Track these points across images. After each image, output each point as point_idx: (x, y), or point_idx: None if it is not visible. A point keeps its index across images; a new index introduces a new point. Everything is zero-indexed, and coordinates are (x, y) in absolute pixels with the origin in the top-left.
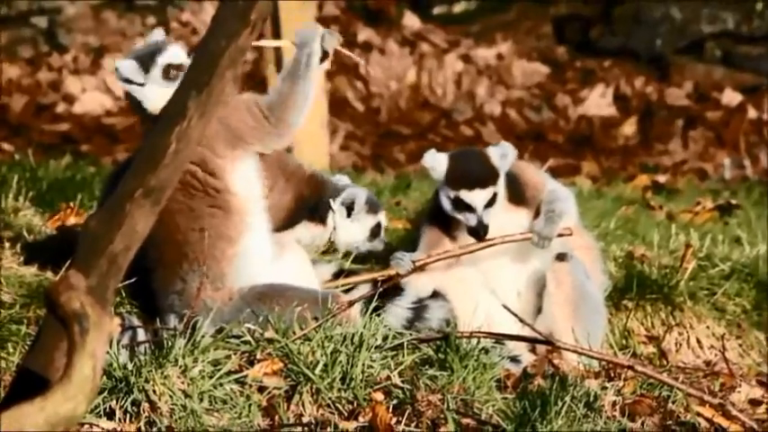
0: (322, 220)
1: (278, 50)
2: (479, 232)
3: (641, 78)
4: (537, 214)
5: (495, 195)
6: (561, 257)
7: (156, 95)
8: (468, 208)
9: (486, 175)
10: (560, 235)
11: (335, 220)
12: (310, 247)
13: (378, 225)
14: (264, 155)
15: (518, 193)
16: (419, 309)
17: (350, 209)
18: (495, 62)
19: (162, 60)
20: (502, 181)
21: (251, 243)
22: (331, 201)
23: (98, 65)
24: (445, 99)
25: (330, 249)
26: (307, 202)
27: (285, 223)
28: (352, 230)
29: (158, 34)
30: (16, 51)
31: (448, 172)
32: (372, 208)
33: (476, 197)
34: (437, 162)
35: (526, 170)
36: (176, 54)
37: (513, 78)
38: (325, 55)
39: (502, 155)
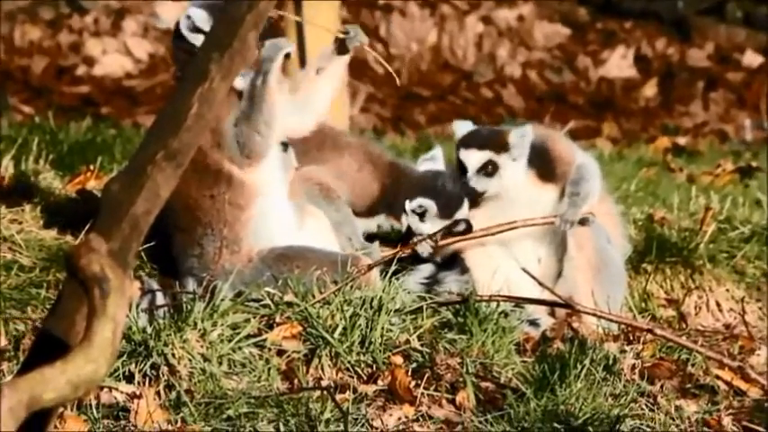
0: (398, 217)
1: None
2: (467, 194)
3: (662, 40)
4: (563, 192)
5: (493, 165)
6: (583, 222)
7: None
8: (463, 168)
9: (485, 140)
10: (582, 221)
11: (409, 222)
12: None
13: (455, 222)
14: (349, 141)
15: (548, 170)
16: (433, 282)
17: (422, 215)
18: (516, 24)
19: None
20: (509, 158)
21: (265, 207)
22: (406, 203)
23: (119, 27)
24: (466, 61)
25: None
26: (388, 194)
27: (368, 211)
28: (425, 231)
29: None
30: (37, 13)
31: (464, 134)
32: (448, 212)
33: (469, 157)
34: (460, 128)
35: (557, 144)
36: None
37: (534, 40)
38: (345, 51)
39: (521, 134)
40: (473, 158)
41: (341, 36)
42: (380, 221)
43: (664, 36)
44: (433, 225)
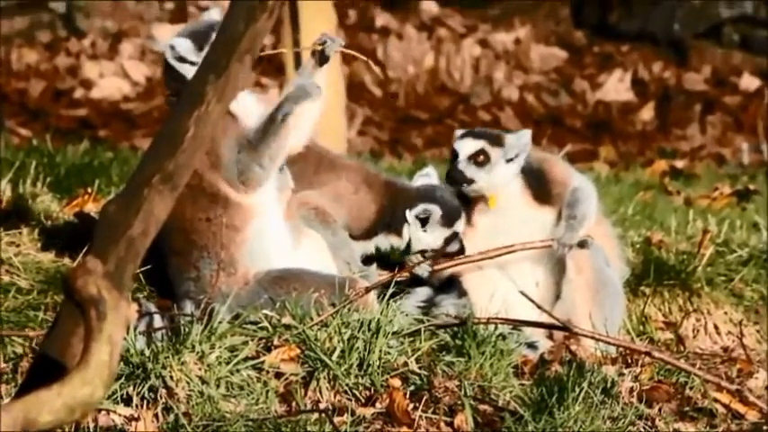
0: (398, 231)
1: (296, 37)
2: (455, 178)
3: (659, 63)
4: (560, 214)
5: (485, 154)
6: (582, 244)
7: None
8: (455, 155)
9: (482, 133)
10: (581, 244)
11: (410, 232)
12: None
13: (454, 234)
14: (345, 163)
15: (544, 191)
16: (430, 305)
17: (424, 222)
18: (513, 47)
19: None
20: (502, 155)
21: (261, 228)
22: (407, 212)
23: (116, 50)
24: (463, 84)
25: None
26: (385, 213)
27: (366, 233)
28: (426, 241)
29: (214, 13)
30: (34, 36)
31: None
32: (449, 221)
33: (463, 145)
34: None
35: (554, 166)
36: None
37: (531, 63)
38: (325, 60)
39: (519, 137)
40: (466, 146)
41: (318, 47)
42: (379, 242)
43: (660, 59)
44: (433, 234)
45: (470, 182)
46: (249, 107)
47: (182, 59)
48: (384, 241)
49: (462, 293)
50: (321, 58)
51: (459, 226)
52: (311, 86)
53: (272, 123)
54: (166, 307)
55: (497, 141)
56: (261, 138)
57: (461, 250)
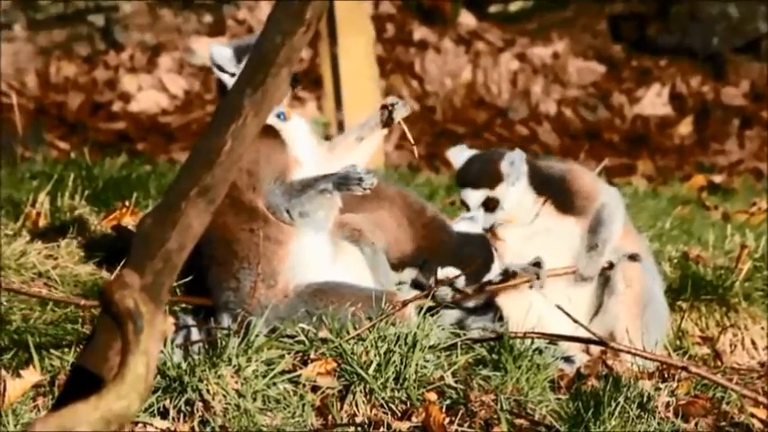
0: (427, 278)
1: (333, 50)
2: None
3: (697, 77)
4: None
5: (493, 201)
6: (633, 258)
7: None
8: (466, 206)
9: (478, 177)
10: (632, 257)
11: (438, 291)
12: None
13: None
14: (390, 194)
15: (566, 202)
16: (460, 328)
17: (451, 284)
18: (551, 61)
19: None
20: (510, 189)
21: (303, 243)
22: (438, 269)
23: (154, 63)
24: (500, 98)
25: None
26: (420, 254)
27: (399, 264)
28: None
29: None
30: (73, 49)
31: (461, 167)
32: (475, 279)
33: (469, 197)
34: (459, 157)
35: (579, 178)
36: None
37: (569, 77)
38: (390, 122)
39: (510, 161)
40: (472, 198)
41: (389, 107)
42: (410, 274)
43: (698, 73)
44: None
45: (491, 228)
46: (301, 136)
47: (220, 68)
48: (414, 276)
49: (497, 316)
50: (387, 120)
51: (490, 276)
52: (355, 178)
53: (311, 188)
54: (203, 320)
55: (496, 180)
56: (300, 192)
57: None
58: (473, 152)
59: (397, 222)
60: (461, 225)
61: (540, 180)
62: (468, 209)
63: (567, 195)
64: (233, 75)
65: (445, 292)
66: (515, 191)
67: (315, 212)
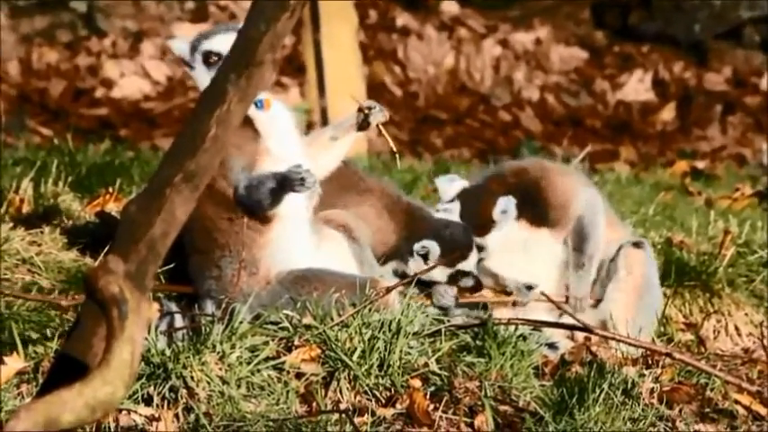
0: (407, 262)
1: (316, 37)
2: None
3: (680, 64)
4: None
5: (480, 246)
6: (637, 245)
7: (203, 80)
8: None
9: (472, 224)
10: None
11: (414, 264)
12: None
13: (457, 273)
14: (369, 186)
15: (540, 214)
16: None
17: (425, 258)
18: (534, 47)
19: (204, 46)
20: (497, 234)
21: (284, 231)
22: (415, 246)
23: (136, 50)
24: (483, 84)
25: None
26: (402, 242)
27: (383, 258)
28: (432, 275)
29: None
30: (55, 36)
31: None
32: (451, 261)
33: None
34: (448, 190)
35: (553, 187)
36: (220, 42)
37: (552, 63)
38: (366, 126)
39: (503, 210)
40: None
41: (365, 111)
42: (393, 267)
43: (681, 60)
44: (439, 270)
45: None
46: (277, 126)
47: (183, 61)
48: (397, 268)
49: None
50: (363, 123)
51: (468, 266)
52: (297, 179)
53: (263, 185)
54: (187, 307)
55: (487, 226)
56: (255, 189)
57: (477, 286)
58: (462, 183)
59: (377, 213)
60: (440, 214)
61: (515, 196)
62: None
63: (540, 207)
64: (193, 68)
65: (447, 296)
66: (501, 233)
67: (276, 206)
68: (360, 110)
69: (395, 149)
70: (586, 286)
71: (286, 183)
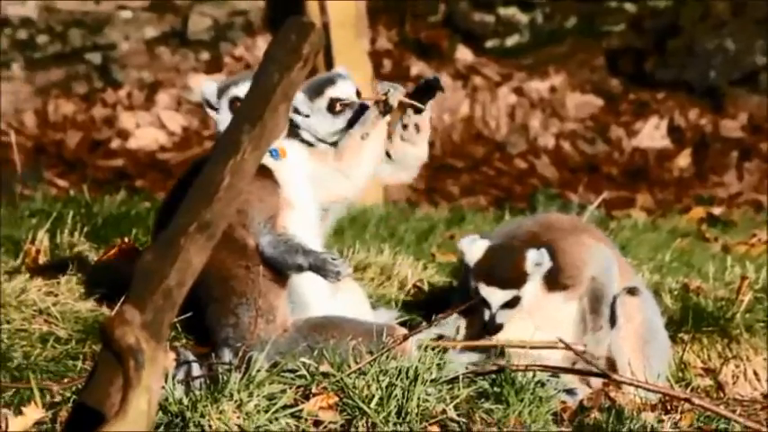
0: None
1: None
2: (489, 330)
3: (695, 110)
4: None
5: (516, 299)
6: (632, 292)
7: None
8: (485, 302)
9: (507, 277)
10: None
11: None
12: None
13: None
14: None
15: (551, 278)
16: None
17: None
18: (549, 95)
19: (232, 92)
20: (530, 287)
21: (299, 278)
22: None
23: (152, 100)
24: (499, 132)
25: None
26: None
27: None
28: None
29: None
30: (71, 87)
31: (478, 260)
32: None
33: (492, 295)
34: (473, 249)
35: (564, 252)
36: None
37: (567, 111)
38: (389, 109)
39: (536, 262)
40: (496, 297)
41: (382, 97)
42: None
43: (696, 106)
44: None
45: (501, 327)
46: (295, 176)
47: (208, 104)
48: None
49: (498, 350)
50: (385, 108)
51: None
52: (333, 270)
53: (291, 257)
54: (204, 354)
55: (522, 280)
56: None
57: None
58: (485, 243)
59: None
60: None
61: None
62: (486, 306)
63: (553, 272)
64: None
65: (450, 328)
66: (534, 286)
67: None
68: (377, 101)
69: (420, 106)
70: (603, 346)
71: (320, 270)
